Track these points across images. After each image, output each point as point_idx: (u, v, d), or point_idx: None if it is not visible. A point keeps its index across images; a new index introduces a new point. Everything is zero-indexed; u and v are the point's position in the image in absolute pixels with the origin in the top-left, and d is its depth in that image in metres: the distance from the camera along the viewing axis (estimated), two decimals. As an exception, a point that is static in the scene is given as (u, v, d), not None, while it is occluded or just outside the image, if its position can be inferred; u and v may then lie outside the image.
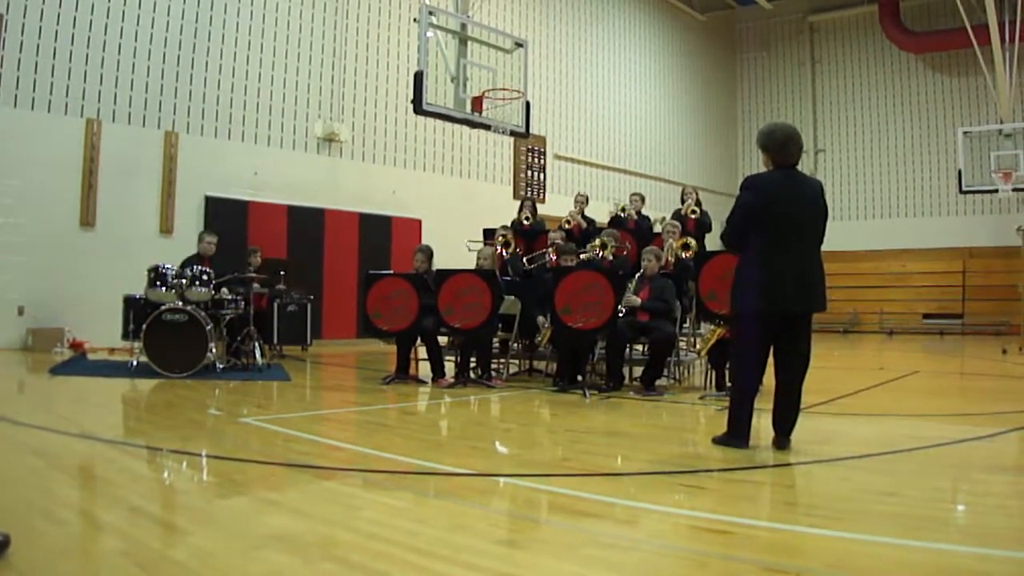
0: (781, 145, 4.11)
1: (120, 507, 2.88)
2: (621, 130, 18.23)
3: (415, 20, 9.82)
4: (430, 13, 9.51)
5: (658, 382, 6.61)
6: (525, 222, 9.12)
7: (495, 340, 7.52)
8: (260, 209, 11.40)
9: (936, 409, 6.34)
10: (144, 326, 6.89)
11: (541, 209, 11.42)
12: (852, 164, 20.71)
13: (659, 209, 13.48)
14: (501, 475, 3.58)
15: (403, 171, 13.36)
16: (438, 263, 7.50)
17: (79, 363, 8.02)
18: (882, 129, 20.30)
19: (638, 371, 6.99)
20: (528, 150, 15.52)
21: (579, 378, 6.70)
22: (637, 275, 6.86)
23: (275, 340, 9.73)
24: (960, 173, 17.09)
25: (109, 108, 10.01)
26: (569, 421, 5.26)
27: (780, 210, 4.00)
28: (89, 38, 9.81)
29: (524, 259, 8.37)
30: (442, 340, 7.28)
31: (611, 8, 18.09)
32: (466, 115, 10.01)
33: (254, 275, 8.20)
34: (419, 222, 13.33)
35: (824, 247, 4.20)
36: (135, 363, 7.14)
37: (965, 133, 17.23)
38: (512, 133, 10.58)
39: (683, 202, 9.12)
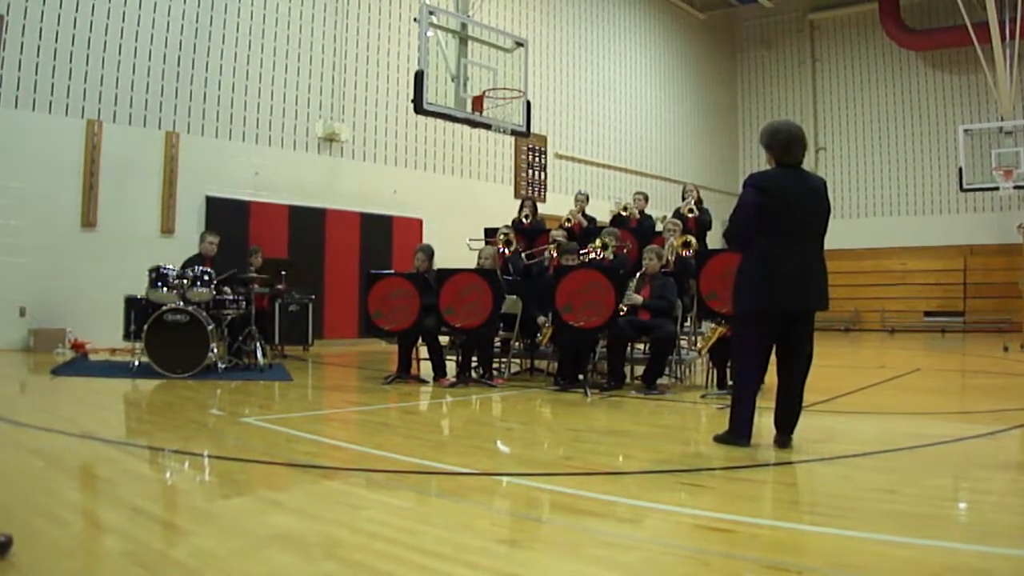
0: (785, 145, 4.09)
1: (122, 507, 2.89)
2: (622, 129, 18.22)
3: (415, 20, 9.80)
4: (430, 13, 9.50)
5: (659, 381, 6.60)
6: (525, 221, 9.12)
7: (496, 339, 7.51)
8: (261, 209, 11.40)
9: (937, 407, 6.34)
10: (145, 326, 6.91)
11: (542, 208, 11.43)
12: (853, 162, 20.68)
13: (660, 208, 13.48)
14: (503, 474, 3.58)
15: (404, 171, 13.36)
16: (439, 262, 7.50)
17: (80, 364, 8.03)
18: (883, 127, 20.27)
19: (639, 370, 6.98)
20: (529, 149, 15.52)
21: (580, 377, 6.69)
22: (638, 274, 6.86)
23: (276, 340, 9.75)
24: (961, 171, 17.08)
25: (110, 109, 10.01)
26: (570, 420, 5.26)
27: (784, 208, 3.99)
28: (89, 39, 9.81)
29: (523, 255, 8.37)
30: (443, 340, 7.27)
31: (612, 7, 18.07)
32: (467, 115, 10.00)
33: (255, 275, 8.19)
34: (420, 222, 13.33)
35: (825, 245, 4.18)
36: (136, 364, 7.15)
37: (966, 131, 17.23)
38: (513, 132, 10.57)
39: (683, 200, 9.11)
